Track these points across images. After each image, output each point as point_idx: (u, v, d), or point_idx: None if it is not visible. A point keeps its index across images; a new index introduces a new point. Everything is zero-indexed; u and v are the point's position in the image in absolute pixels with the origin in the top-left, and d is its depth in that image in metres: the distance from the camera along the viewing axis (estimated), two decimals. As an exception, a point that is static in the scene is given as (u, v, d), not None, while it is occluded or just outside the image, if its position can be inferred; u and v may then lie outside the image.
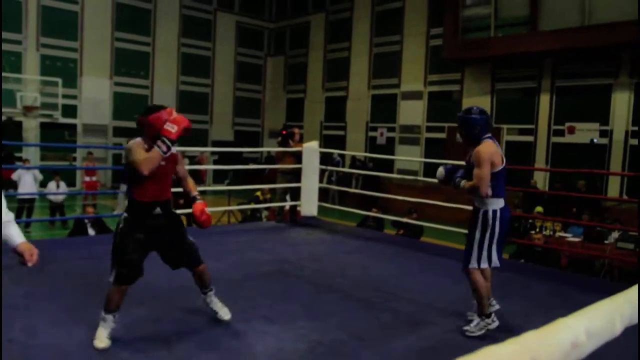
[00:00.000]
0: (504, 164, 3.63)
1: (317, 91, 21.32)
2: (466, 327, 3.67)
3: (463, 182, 3.70)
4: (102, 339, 3.16)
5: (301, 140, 7.99)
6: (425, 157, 16.99)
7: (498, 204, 3.66)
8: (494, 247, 3.66)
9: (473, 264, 3.68)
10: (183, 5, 21.03)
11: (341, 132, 20.07)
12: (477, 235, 3.66)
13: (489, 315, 3.66)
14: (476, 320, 3.69)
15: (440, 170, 3.92)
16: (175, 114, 3.28)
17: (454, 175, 3.84)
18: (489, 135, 3.67)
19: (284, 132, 8.16)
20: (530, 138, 14.92)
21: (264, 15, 23.65)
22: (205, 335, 3.49)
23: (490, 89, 15.75)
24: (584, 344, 0.74)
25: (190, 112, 20.91)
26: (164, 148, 3.16)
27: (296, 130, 8.11)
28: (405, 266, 5.70)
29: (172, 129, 3.16)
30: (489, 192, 3.56)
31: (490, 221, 3.63)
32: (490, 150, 3.56)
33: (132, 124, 19.58)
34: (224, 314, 3.64)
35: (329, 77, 20.96)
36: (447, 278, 5.09)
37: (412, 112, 17.93)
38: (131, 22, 19.66)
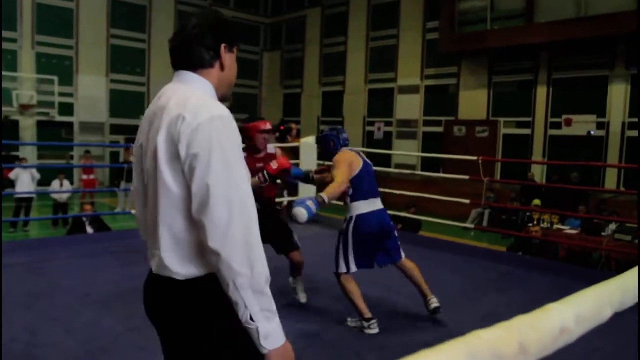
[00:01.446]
0: (360, 169, 3.67)
1: (313, 86, 21.30)
2: (349, 318, 3.75)
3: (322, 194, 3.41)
4: None
5: (298, 136, 8.00)
6: (423, 151, 17.00)
7: (357, 209, 3.68)
8: (352, 251, 3.67)
9: (341, 269, 3.70)
10: (178, 1, 20.96)
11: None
12: (340, 239, 3.76)
13: (368, 320, 3.58)
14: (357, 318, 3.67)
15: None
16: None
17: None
18: (345, 148, 3.81)
19: (282, 128, 8.17)
20: (527, 131, 14.93)
21: (259, 11, 23.60)
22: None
23: (487, 82, 15.76)
24: (573, 329, 0.75)
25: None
26: (262, 179, 3.66)
27: (293, 126, 8.13)
28: (404, 260, 5.72)
29: (274, 165, 3.65)
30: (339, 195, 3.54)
31: (345, 226, 3.73)
32: (344, 157, 3.65)
33: (129, 122, 19.61)
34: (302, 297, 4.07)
35: (325, 71, 20.94)
36: (446, 272, 5.12)
37: (409, 107, 17.93)
38: (127, 19, 19.59)
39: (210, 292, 1.33)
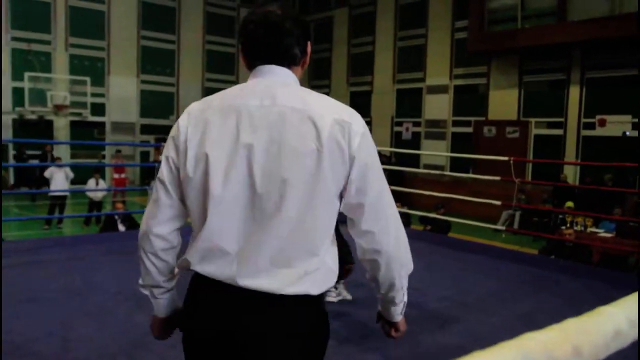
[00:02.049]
0: None
1: (341, 86, 21.29)
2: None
3: None
4: None
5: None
6: (452, 151, 16.83)
7: None
8: None
9: None
10: (207, 2, 21.17)
11: (368, 127, 19.95)
12: None
13: None
14: None
15: None
16: None
17: None
18: None
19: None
20: (559, 131, 14.64)
21: (287, 11, 23.67)
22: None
23: (517, 81, 15.51)
24: (626, 333, 0.73)
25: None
26: None
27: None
28: (434, 262, 5.67)
29: None
30: None
31: None
32: None
33: (159, 122, 19.92)
34: (346, 295, 4.18)
35: (353, 71, 20.90)
36: (476, 274, 5.05)
37: (437, 107, 17.76)
38: (156, 20, 19.88)
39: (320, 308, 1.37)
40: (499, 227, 8.03)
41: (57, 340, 3.25)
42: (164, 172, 1.35)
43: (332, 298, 3.99)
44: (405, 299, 1.53)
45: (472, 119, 16.56)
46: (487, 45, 15.26)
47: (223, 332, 1.28)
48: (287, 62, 1.34)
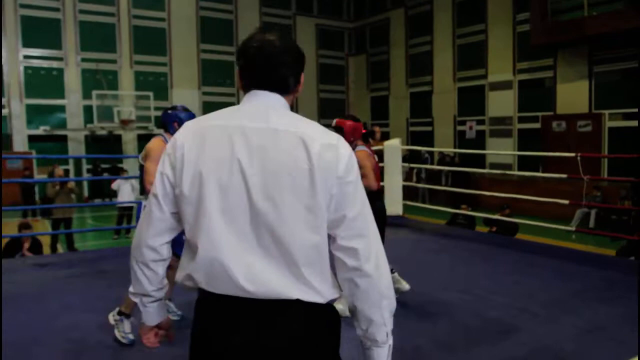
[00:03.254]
0: None
1: (401, 88, 20.95)
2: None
3: None
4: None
5: (382, 139, 7.80)
6: (519, 149, 16.13)
7: None
8: None
9: None
10: (263, 13, 21.47)
11: (428, 128, 19.55)
12: None
13: (128, 316, 3.44)
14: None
15: None
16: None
17: None
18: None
19: (364, 131, 8.01)
20: (636, 123, 13.69)
21: (342, 16, 23.61)
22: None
23: (587, 72, 14.65)
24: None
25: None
26: None
27: (376, 129, 7.95)
28: (497, 266, 5.35)
29: None
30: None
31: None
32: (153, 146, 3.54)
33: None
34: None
35: (412, 72, 20.51)
36: (544, 279, 4.69)
37: (502, 103, 17.10)
38: (215, 33, 20.34)
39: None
40: (568, 227, 7.52)
41: (109, 348, 3.25)
42: (157, 187, 1.41)
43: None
44: (391, 341, 1.42)
45: (540, 114, 15.80)
46: (552, 37, 14.51)
47: (238, 346, 1.30)
48: (281, 90, 1.42)
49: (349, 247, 1.34)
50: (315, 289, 1.32)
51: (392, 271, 4.02)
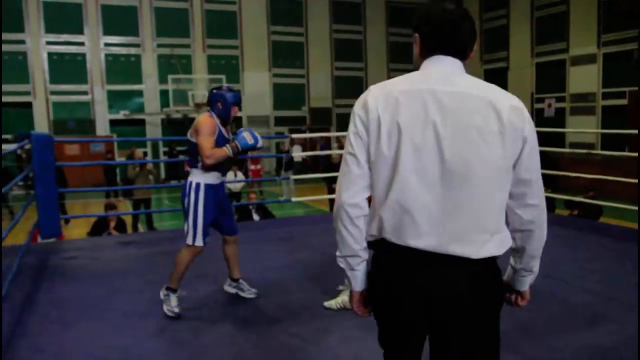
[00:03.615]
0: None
1: (475, 64, 20.24)
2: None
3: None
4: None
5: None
6: (603, 127, 15.23)
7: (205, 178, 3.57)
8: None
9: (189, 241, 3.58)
10: (334, -9, 21.31)
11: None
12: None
13: (174, 291, 3.57)
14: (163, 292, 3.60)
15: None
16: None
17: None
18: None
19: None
20: None
21: (414, -8, 23.06)
22: (361, 320, 3.40)
23: (681, 42, 13.55)
24: None
25: (346, 97, 21.19)
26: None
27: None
28: (580, 251, 5.09)
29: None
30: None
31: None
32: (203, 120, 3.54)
33: (292, 113, 20.52)
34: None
35: (486, 48, 19.75)
36: (630, 265, 4.41)
37: (584, 79, 16.15)
38: (285, 15, 20.42)
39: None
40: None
41: (205, 312, 3.36)
42: (354, 146, 1.48)
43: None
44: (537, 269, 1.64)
45: (627, 89, 14.81)
46: (642, 5, 13.49)
47: (426, 299, 1.43)
48: (461, 56, 1.51)
49: (533, 205, 1.49)
50: (494, 244, 1.45)
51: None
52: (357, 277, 1.57)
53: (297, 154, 11.57)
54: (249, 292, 3.83)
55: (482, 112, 1.39)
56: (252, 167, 14.71)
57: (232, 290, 3.90)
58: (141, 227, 10.40)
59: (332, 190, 9.81)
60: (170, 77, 18.28)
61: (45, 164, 5.01)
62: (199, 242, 3.55)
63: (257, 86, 20.01)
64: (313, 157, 18.53)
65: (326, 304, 3.57)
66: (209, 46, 19.45)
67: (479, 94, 1.42)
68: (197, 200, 3.52)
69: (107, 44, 18.38)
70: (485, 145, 1.38)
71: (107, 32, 18.31)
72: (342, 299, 3.49)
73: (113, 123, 18.46)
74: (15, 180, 4.48)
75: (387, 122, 1.43)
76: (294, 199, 7.79)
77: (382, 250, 1.51)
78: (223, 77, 18.74)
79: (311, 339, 3.19)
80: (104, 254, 5.18)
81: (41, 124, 17.57)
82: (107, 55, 18.44)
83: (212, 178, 3.59)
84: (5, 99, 17.17)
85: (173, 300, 3.56)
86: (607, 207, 7.41)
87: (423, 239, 1.42)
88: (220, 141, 3.54)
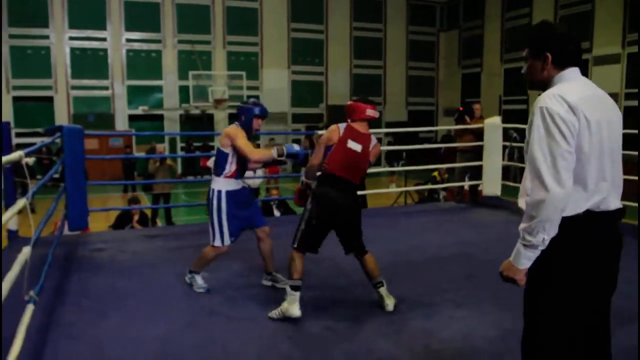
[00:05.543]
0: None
1: (494, 64, 20.08)
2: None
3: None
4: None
5: (482, 117, 7.49)
6: (625, 128, 14.96)
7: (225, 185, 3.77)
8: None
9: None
10: (352, -10, 21.25)
11: (523, 106, 18.64)
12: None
13: (198, 272, 3.89)
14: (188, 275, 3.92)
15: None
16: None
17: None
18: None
19: (460, 109, 7.74)
20: None
21: (434, -10, 22.92)
22: (392, 317, 3.38)
23: None
24: None
25: (364, 95, 21.14)
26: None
27: (476, 107, 7.63)
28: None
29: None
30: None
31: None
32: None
33: (310, 110, 20.51)
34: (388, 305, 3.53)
35: (507, 47, 19.57)
36: (629, 259, 4.31)
37: (607, 79, 15.89)
38: (305, 12, 20.40)
39: None
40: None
41: (221, 318, 3.37)
42: (570, 143, 1.77)
43: None
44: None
45: (651, 90, 14.59)
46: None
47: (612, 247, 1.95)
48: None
49: None
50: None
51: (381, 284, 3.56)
52: (531, 257, 1.85)
53: None
54: (283, 283, 3.83)
55: (617, 111, 1.94)
56: (271, 163, 14.72)
57: (269, 283, 3.99)
58: (159, 222, 10.47)
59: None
60: (191, 73, 18.36)
61: (77, 157, 5.04)
62: (225, 243, 3.76)
63: (275, 83, 20.03)
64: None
65: (269, 314, 3.41)
66: (229, 43, 19.51)
67: (607, 97, 1.93)
68: (219, 207, 3.73)
69: (128, 40, 18.52)
70: (620, 134, 1.96)
71: (129, 28, 18.44)
72: (282, 307, 3.35)
73: (132, 118, 18.60)
74: (50, 172, 4.53)
75: (589, 120, 1.82)
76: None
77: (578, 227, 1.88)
78: (243, 73, 18.82)
79: (343, 332, 3.18)
80: (131, 247, 5.21)
81: (61, 118, 17.74)
82: (128, 51, 18.58)
83: (233, 184, 3.79)
84: (27, 93, 17.42)
85: (199, 279, 3.85)
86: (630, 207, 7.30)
87: (605, 202, 1.92)
88: None
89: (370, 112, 3.63)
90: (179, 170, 18.53)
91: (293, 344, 3.08)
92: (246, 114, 3.81)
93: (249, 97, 18.75)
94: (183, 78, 18.66)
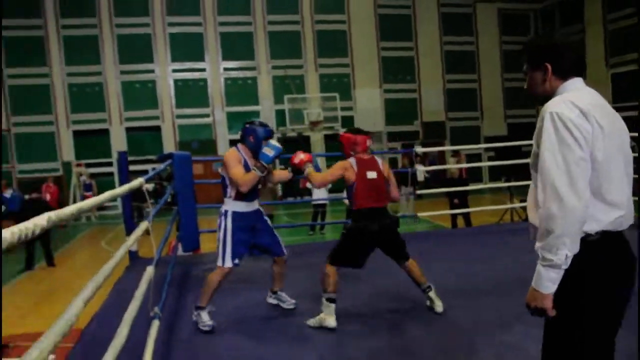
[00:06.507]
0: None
1: (598, 68, 18.92)
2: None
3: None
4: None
5: None
6: None
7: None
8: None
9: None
10: (441, 4, 20.99)
11: (634, 113, 17.38)
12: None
13: (203, 309, 3.72)
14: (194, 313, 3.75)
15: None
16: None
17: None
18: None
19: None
20: None
21: (528, -3, 22.12)
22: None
23: None
24: None
25: (459, 110, 20.74)
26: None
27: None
28: None
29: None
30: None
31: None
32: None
33: (405, 128, 20.39)
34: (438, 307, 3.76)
35: (612, 50, 18.41)
36: None
37: None
38: (394, 30, 20.45)
39: None
40: None
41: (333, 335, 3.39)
42: (584, 149, 1.66)
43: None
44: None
45: None
46: None
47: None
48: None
49: None
50: None
51: (429, 288, 3.79)
52: (556, 280, 1.69)
53: (421, 168, 11.16)
54: (288, 303, 4.00)
55: (620, 118, 1.83)
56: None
57: (274, 301, 4.10)
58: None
59: (454, 206, 9.56)
60: (286, 97, 18.95)
61: (186, 182, 5.35)
62: (228, 264, 3.72)
63: (368, 103, 20.16)
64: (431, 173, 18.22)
65: (308, 322, 3.63)
66: (320, 65, 19.94)
67: (607, 104, 1.82)
68: (225, 226, 3.75)
69: (226, 69, 19.48)
70: (629, 143, 1.85)
71: (225, 57, 19.41)
72: (320, 316, 3.57)
73: (232, 143, 19.37)
74: (165, 197, 4.82)
75: (602, 129, 1.75)
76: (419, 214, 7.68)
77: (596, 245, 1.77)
78: (336, 95, 19.14)
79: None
80: (239, 267, 5.39)
81: (168, 146, 18.91)
82: (226, 80, 19.52)
83: (242, 206, 3.79)
84: (138, 124, 18.79)
85: (204, 316, 3.71)
86: None
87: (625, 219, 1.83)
88: (247, 170, 3.71)
89: (369, 142, 3.83)
90: (280, 191, 19.06)
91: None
92: (255, 136, 3.75)
93: (343, 117, 19.09)
94: (279, 102, 19.30)
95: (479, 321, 3.53)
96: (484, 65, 21.48)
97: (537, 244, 1.71)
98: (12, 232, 1.11)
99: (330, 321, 3.51)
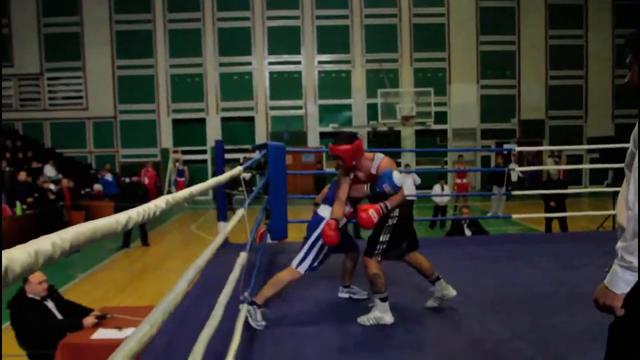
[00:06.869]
0: None
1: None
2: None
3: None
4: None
5: None
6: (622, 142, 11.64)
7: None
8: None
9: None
10: (549, -4, 19.91)
11: None
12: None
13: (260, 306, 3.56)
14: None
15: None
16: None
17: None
18: None
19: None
20: None
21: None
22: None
23: None
24: None
25: (561, 108, 19.62)
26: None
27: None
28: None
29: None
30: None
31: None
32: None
33: (500, 126, 19.63)
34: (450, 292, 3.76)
35: None
36: None
37: None
38: (495, 23, 19.67)
39: None
40: None
41: (400, 331, 3.33)
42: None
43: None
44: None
45: None
46: None
47: None
48: None
49: None
50: None
51: (438, 278, 3.76)
52: (632, 281, 1.60)
53: (517, 168, 10.63)
54: (361, 294, 4.06)
55: None
56: (458, 181, 14.38)
57: (345, 295, 4.11)
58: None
59: (549, 209, 9.08)
60: (379, 91, 18.86)
61: (279, 172, 5.45)
62: (304, 270, 3.62)
63: (463, 98, 19.57)
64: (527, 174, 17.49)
65: (359, 319, 3.58)
66: (415, 59, 19.62)
67: None
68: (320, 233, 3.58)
69: (320, 62, 19.68)
70: None
71: (320, 50, 19.61)
72: (375, 315, 3.54)
73: (322, 135, 19.63)
74: (259, 186, 4.95)
75: None
76: (514, 216, 7.37)
77: None
78: (430, 89, 18.78)
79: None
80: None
81: (261, 136, 19.45)
82: (320, 72, 19.73)
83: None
84: (232, 114, 19.51)
85: (259, 315, 3.53)
86: None
87: None
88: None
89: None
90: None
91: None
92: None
93: (437, 113, 18.70)
94: (371, 96, 19.23)
95: (573, 330, 3.32)
96: (592, 60, 20.11)
97: (619, 244, 1.62)
98: (138, 212, 1.21)
99: (388, 318, 3.52)
